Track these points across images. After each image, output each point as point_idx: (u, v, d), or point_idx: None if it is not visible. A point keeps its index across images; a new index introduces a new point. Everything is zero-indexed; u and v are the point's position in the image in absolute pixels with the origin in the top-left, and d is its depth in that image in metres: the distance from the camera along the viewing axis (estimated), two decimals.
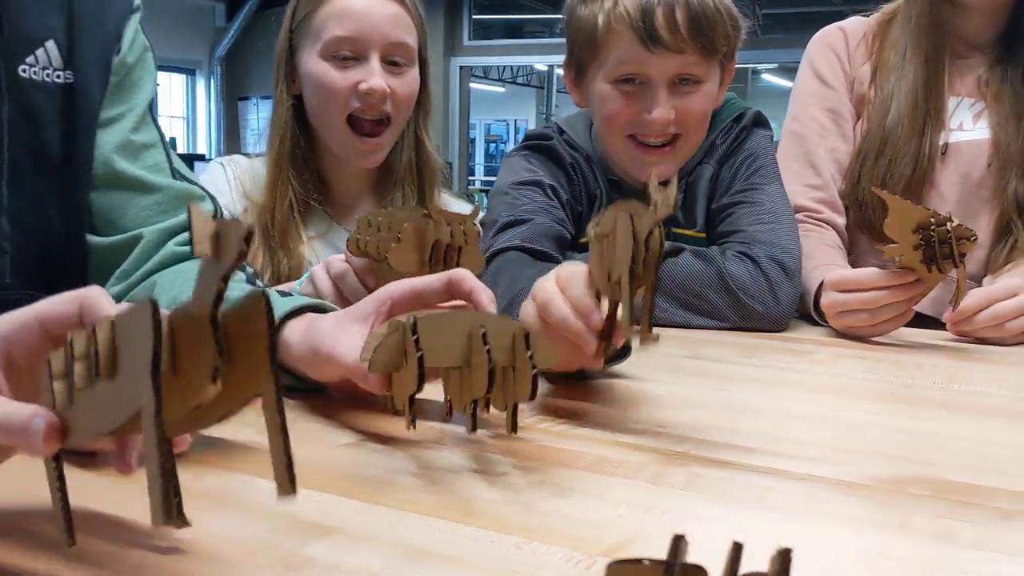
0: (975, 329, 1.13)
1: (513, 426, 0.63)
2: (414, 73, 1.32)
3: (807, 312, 1.24)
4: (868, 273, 1.10)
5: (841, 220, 1.40)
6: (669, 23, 1.16)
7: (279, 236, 1.29)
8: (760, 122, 1.34)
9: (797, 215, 1.36)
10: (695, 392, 0.85)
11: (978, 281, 1.38)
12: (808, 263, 1.24)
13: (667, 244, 1.15)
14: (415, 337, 0.61)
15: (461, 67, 8.97)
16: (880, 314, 1.10)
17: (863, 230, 1.40)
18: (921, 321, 1.20)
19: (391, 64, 1.29)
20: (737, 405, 0.81)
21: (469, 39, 8.97)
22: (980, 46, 1.40)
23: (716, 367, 0.97)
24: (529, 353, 0.61)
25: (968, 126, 1.39)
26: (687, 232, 1.30)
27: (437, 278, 0.70)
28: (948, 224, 1.03)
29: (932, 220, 1.04)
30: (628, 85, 1.21)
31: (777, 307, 1.16)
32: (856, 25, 1.46)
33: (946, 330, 1.17)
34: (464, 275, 0.70)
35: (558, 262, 1.15)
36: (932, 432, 0.73)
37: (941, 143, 1.37)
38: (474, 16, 8.95)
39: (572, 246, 1.26)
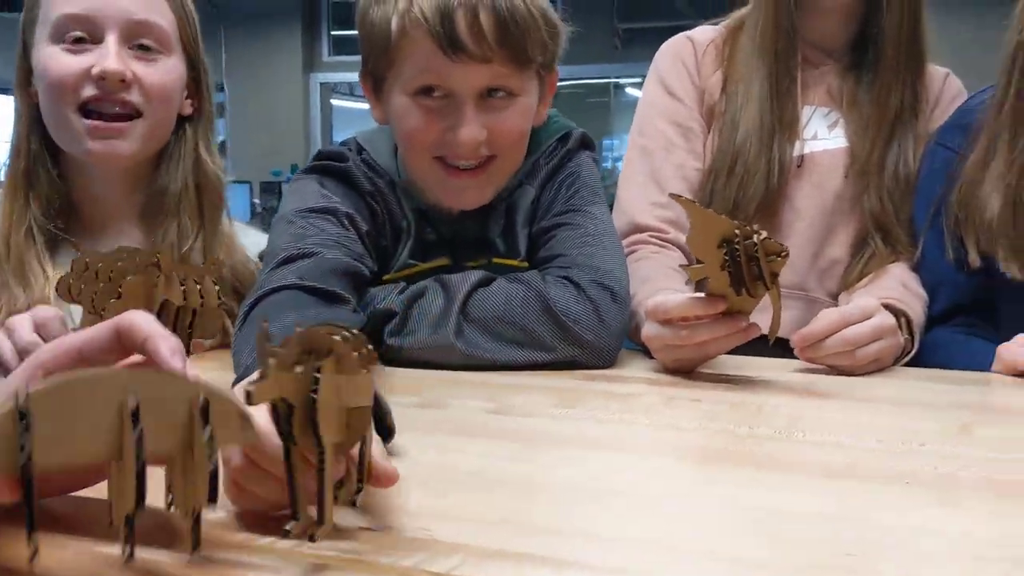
0: (824, 356, 1.01)
1: (194, 542, 0.45)
2: (172, 64, 1.13)
3: (632, 337, 1.11)
4: (684, 301, 0.96)
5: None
6: (472, 28, 0.99)
7: (14, 268, 1.06)
8: (587, 143, 1.20)
9: (641, 234, 1.26)
10: (486, 466, 0.68)
11: (835, 299, 1.28)
12: (645, 287, 1.11)
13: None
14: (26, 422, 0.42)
15: (322, 84, 8.68)
16: (705, 348, 0.96)
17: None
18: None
19: (139, 49, 1.10)
20: (536, 483, 0.64)
21: (329, 55, 8.70)
22: (832, 52, 1.31)
23: (522, 425, 0.80)
24: (208, 432, 0.43)
25: (823, 135, 1.31)
26: (508, 261, 1.14)
27: (101, 328, 0.52)
28: (755, 237, 0.88)
29: (737, 233, 0.88)
30: (430, 99, 1.04)
31: (606, 335, 1.02)
32: (705, 34, 1.36)
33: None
34: (135, 320, 0.51)
35: (348, 303, 0.96)
36: (766, 508, 0.58)
37: (796, 155, 1.28)
38: (334, 32, 8.68)
39: (375, 282, 1.08)
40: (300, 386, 0.52)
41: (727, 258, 0.89)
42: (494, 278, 1.04)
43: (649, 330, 0.99)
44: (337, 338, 0.55)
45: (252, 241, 1.25)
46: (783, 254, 0.88)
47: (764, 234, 0.89)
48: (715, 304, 0.92)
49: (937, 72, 1.32)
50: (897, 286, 1.18)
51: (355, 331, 0.56)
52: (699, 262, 0.93)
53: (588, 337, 1.00)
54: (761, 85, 1.26)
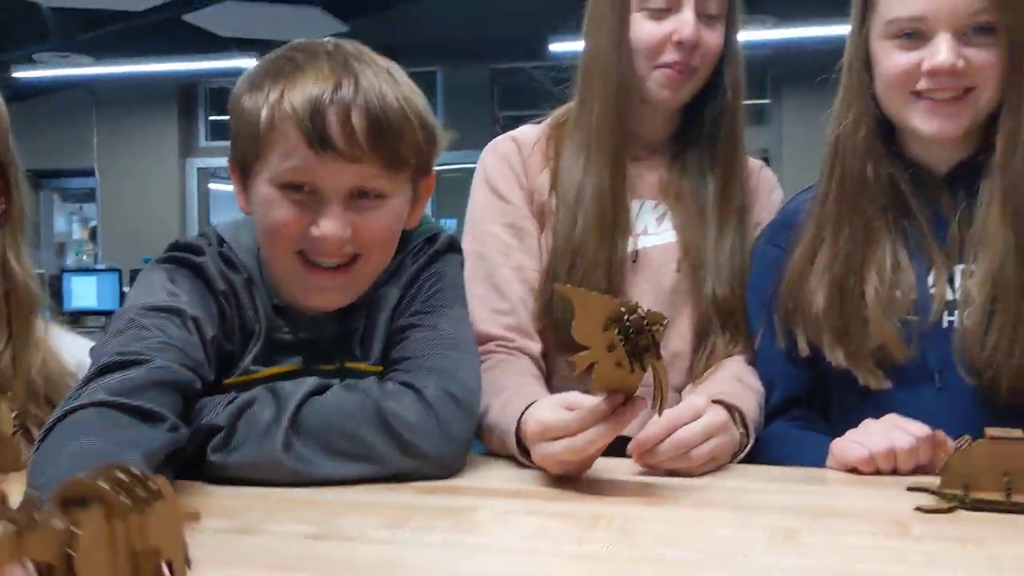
0: (660, 461, 1.01)
1: None
2: None
3: (494, 451, 1.09)
4: (568, 417, 0.94)
5: (536, 346, 1.27)
6: (344, 127, 0.96)
7: None
8: (455, 247, 1.17)
9: (488, 344, 1.23)
10: None
11: (680, 392, 1.28)
12: (501, 397, 1.09)
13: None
14: None
15: (199, 168, 8.52)
16: (599, 447, 0.93)
17: (562, 353, 1.25)
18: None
19: None
20: None
21: (207, 139, 8.56)
22: (657, 147, 1.34)
23: (344, 553, 0.76)
24: None
25: (653, 229, 1.32)
26: (361, 366, 1.09)
27: None
28: (639, 310, 0.88)
29: (623, 309, 0.87)
30: (297, 192, 1.00)
31: (448, 447, 0.99)
32: (528, 134, 1.36)
33: None
34: None
35: (165, 421, 0.89)
36: None
37: (630, 250, 1.28)
38: (211, 117, 8.57)
39: (209, 392, 1.01)
40: (51, 545, 0.47)
41: (619, 336, 0.87)
42: (329, 385, 1.00)
43: (542, 450, 0.96)
44: (104, 484, 0.51)
45: (72, 345, 1.18)
46: (664, 322, 0.88)
47: (644, 307, 0.88)
48: (613, 401, 0.90)
49: (753, 164, 1.37)
50: (731, 380, 1.20)
51: (133, 469, 0.52)
52: (582, 348, 0.90)
53: (427, 449, 0.97)
54: (594, 182, 1.26)
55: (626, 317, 0.87)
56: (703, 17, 1.24)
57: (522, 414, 1.02)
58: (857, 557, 0.74)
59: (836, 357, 1.16)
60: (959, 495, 0.90)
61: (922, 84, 1.12)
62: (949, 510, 0.88)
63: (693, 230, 1.29)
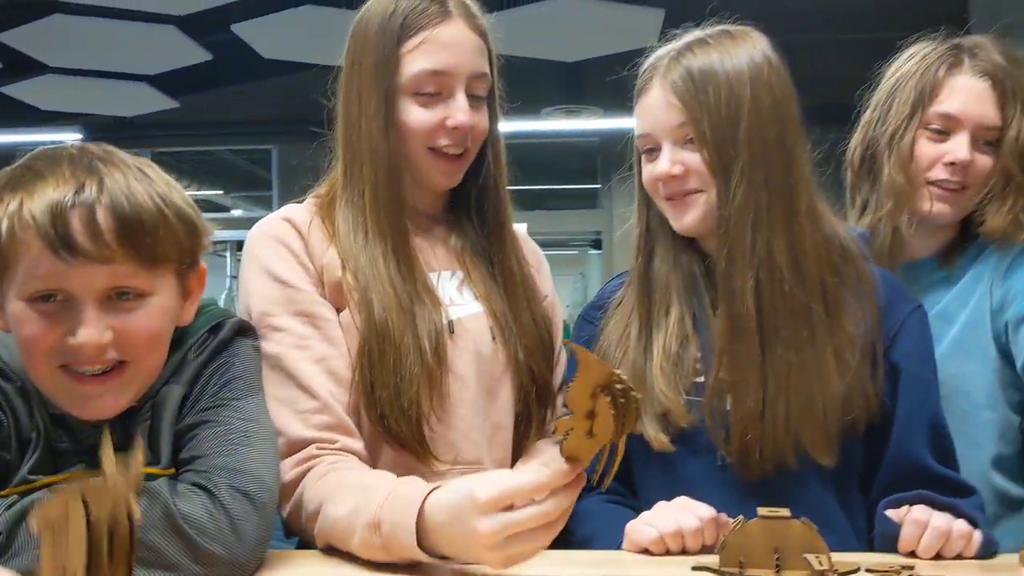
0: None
1: None
2: None
3: (397, 554, 0.98)
4: (535, 479, 0.89)
5: (358, 444, 1.17)
6: (89, 227, 0.93)
7: None
8: (245, 331, 1.14)
9: (307, 449, 1.14)
10: None
11: (500, 465, 1.29)
12: (371, 495, 1.01)
13: None
14: None
15: None
16: (555, 527, 0.90)
17: (392, 444, 1.20)
18: None
19: None
20: None
21: None
22: (437, 217, 1.33)
23: None
24: None
25: (458, 299, 1.29)
26: (150, 470, 1.04)
27: None
28: (624, 379, 0.87)
29: (615, 375, 0.86)
30: (47, 304, 0.96)
31: (241, 547, 0.96)
32: (300, 212, 1.28)
33: None
34: None
35: None
36: None
37: (445, 321, 1.24)
38: None
39: None
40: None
41: (611, 402, 0.86)
42: None
43: (488, 525, 0.89)
44: None
45: None
46: (639, 398, 0.88)
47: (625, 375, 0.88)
48: (576, 469, 0.88)
49: (522, 235, 1.41)
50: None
51: None
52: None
53: (219, 552, 0.94)
54: (384, 260, 1.21)
55: (616, 384, 0.87)
56: (472, 99, 1.24)
57: (423, 502, 0.95)
58: None
59: (646, 431, 1.20)
60: (735, 572, 0.95)
61: (662, 190, 1.23)
62: None
63: (496, 299, 1.30)
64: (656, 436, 1.19)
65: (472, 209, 1.33)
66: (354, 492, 1.04)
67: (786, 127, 1.19)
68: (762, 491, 1.12)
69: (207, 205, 11.72)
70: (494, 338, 1.28)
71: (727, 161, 1.18)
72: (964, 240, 1.39)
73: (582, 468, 0.89)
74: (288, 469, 1.12)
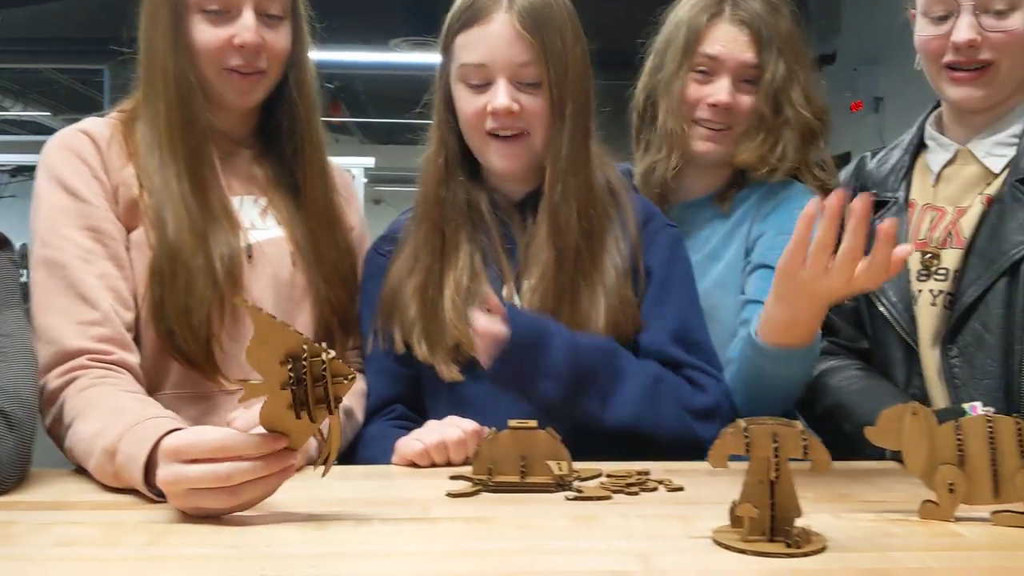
0: None
1: None
2: None
3: (101, 478, 1.01)
4: (221, 437, 0.88)
5: (135, 358, 1.18)
6: None
7: None
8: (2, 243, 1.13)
9: (79, 359, 1.13)
10: None
11: None
12: (121, 418, 1.00)
13: None
14: None
15: None
16: (243, 493, 0.87)
17: (179, 360, 1.20)
18: None
19: None
20: None
21: None
22: (242, 141, 1.34)
23: None
24: None
25: (260, 224, 1.30)
26: None
27: None
28: (324, 356, 0.83)
29: (305, 349, 0.83)
30: None
31: None
32: (100, 125, 1.26)
33: None
34: None
35: None
36: None
37: (244, 245, 1.25)
38: None
39: None
40: None
41: (291, 377, 0.83)
42: None
43: (168, 473, 0.88)
44: None
45: None
46: (350, 377, 0.86)
47: (332, 353, 0.85)
48: (276, 441, 0.86)
49: (339, 169, 1.45)
50: None
51: None
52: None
53: None
54: (179, 180, 1.21)
55: (305, 358, 0.83)
56: (264, 18, 1.24)
57: (159, 440, 0.93)
58: (376, 539, 0.85)
59: (421, 351, 1.27)
60: (485, 479, 1.03)
61: (489, 124, 1.26)
62: (473, 493, 1.02)
63: (298, 225, 1.32)
64: (448, 368, 1.26)
65: (280, 135, 1.33)
66: (104, 414, 1.04)
67: (589, 73, 1.29)
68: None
69: (33, 127, 10.99)
70: (294, 264, 1.30)
71: (563, 105, 1.25)
72: (738, 181, 1.50)
73: (289, 445, 0.86)
74: (54, 378, 1.12)
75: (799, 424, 0.84)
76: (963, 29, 1.24)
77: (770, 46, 1.42)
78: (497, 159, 1.29)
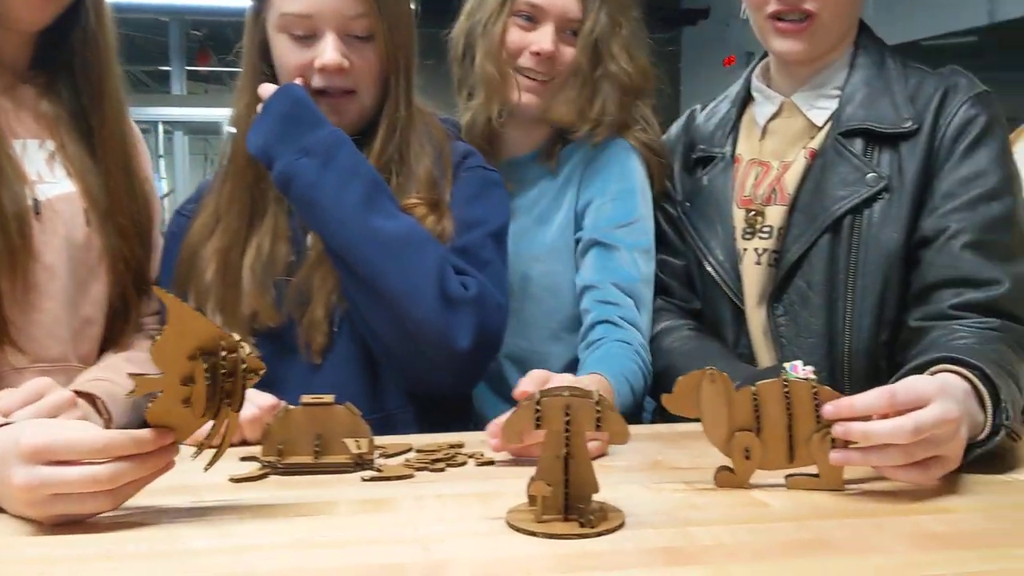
0: None
1: None
2: None
3: None
4: (101, 437, 0.76)
5: None
6: None
7: None
8: None
9: None
10: None
11: (86, 365, 1.20)
12: None
13: None
14: None
15: None
16: (123, 493, 0.78)
17: None
18: None
19: None
20: None
21: None
22: (22, 75, 1.18)
23: None
24: None
25: (48, 176, 1.15)
26: None
27: None
28: (241, 351, 0.78)
29: (223, 344, 0.76)
30: None
31: None
32: None
33: None
34: None
35: None
36: None
37: (30, 201, 1.11)
38: None
39: None
40: None
41: (207, 372, 0.75)
42: None
43: (24, 476, 0.75)
44: None
45: None
46: (261, 372, 0.80)
47: (248, 348, 0.79)
48: (161, 438, 0.77)
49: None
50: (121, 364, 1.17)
51: None
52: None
53: None
54: None
55: (223, 354, 0.77)
56: None
57: None
58: (122, 538, 0.75)
59: (216, 321, 1.17)
60: (274, 460, 0.95)
61: (316, 82, 1.17)
62: (259, 476, 0.93)
63: (91, 176, 1.18)
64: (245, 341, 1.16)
65: (71, 68, 1.18)
66: None
67: (414, 22, 1.22)
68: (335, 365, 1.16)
69: None
70: (88, 223, 1.17)
71: (395, 60, 1.19)
72: (563, 137, 1.43)
73: (173, 440, 0.78)
74: None
75: (595, 395, 0.78)
76: None
77: None
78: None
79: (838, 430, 0.83)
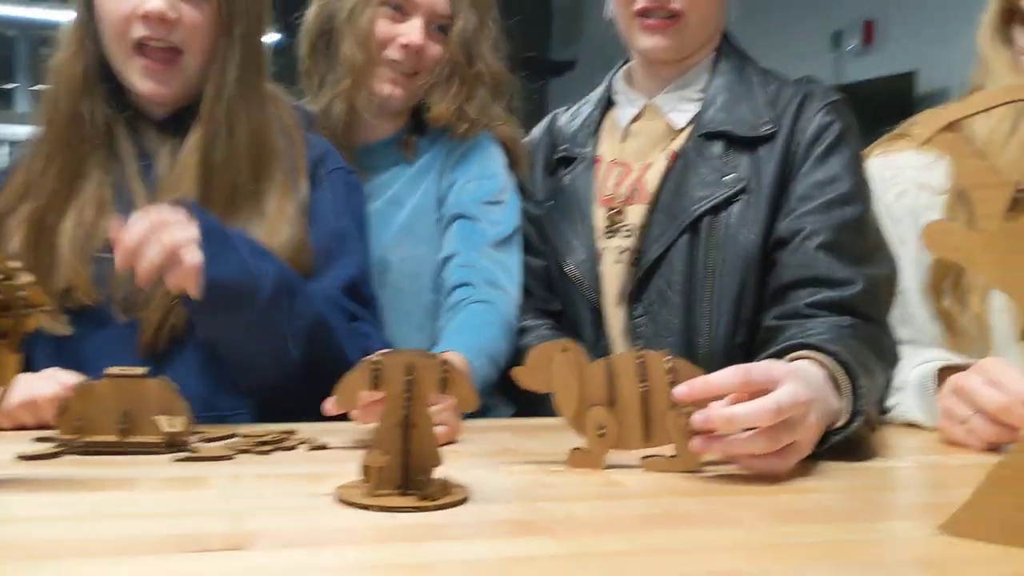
0: None
1: None
2: None
3: None
4: None
5: None
6: None
7: None
8: None
9: None
10: None
11: None
12: None
13: None
14: None
15: None
16: None
17: None
18: None
19: None
20: None
21: None
22: None
23: None
24: None
25: None
26: None
27: None
28: (20, 278, 0.67)
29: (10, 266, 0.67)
30: None
31: None
32: None
33: None
34: None
35: None
36: None
37: None
38: None
39: None
40: None
41: None
42: None
43: None
44: None
45: None
46: (43, 307, 0.69)
47: (31, 277, 0.69)
48: None
49: None
50: None
51: None
52: None
53: None
54: None
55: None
56: None
57: None
58: None
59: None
60: (73, 438, 0.82)
61: (138, 31, 1.08)
62: (53, 455, 0.81)
63: None
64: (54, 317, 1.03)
65: None
66: None
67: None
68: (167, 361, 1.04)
69: None
70: None
71: (231, 21, 1.10)
72: (419, 126, 1.38)
73: None
74: None
75: (442, 355, 0.71)
76: None
77: None
78: (141, 79, 1.10)
79: (698, 419, 0.78)
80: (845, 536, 0.64)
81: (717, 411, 0.77)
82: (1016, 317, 1.14)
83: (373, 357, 0.69)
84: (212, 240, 0.92)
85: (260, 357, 1.02)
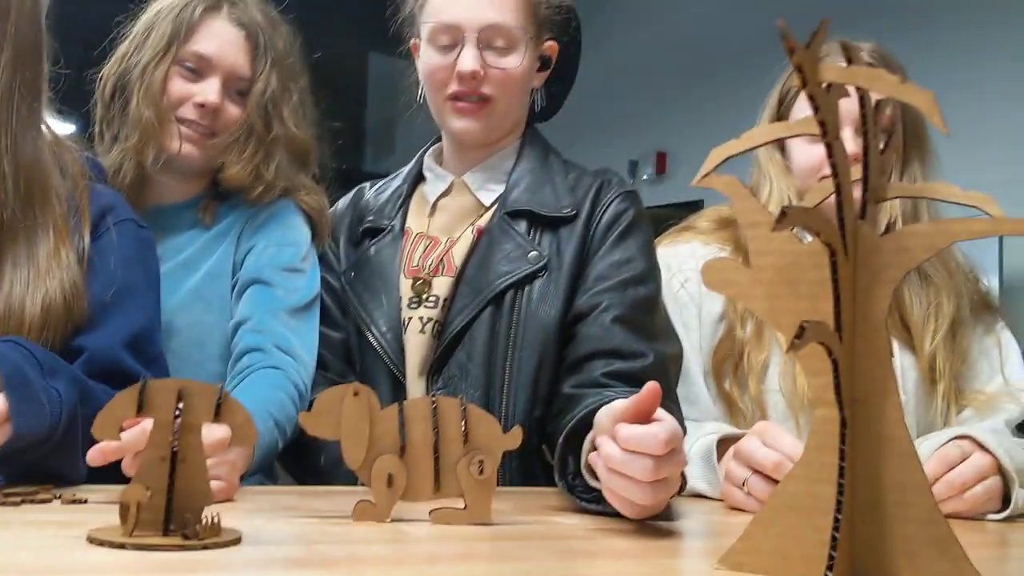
0: None
1: None
2: None
3: None
4: None
5: None
6: None
7: None
8: None
9: None
10: None
11: None
12: None
13: None
14: None
15: None
16: None
17: None
18: None
19: None
20: None
21: None
22: None
23: None
24: None
25: None
26: None
27: None
28: None
29: None
30: None
31: None
32: None
33: None
34: None
35: None
36: None
37: None
38: None
39: None
40: None
41: None
42: None
43: None
44: None
45: None
46: None
47: None
48: None
49: None
50: None
51: None
52: None
53: None
54: None
55: None
56: None
57: None
58: None
59: None
60: None
61: None
62: None
63: None
64: None
65: None
66: None
67: (41, 27, 1.08)
68: None
69: None
70: None
71: None
72: (218, 190, 1.34)
73: None
74: None
75: (221, 383, 0.67)
76: (467, 60, 1.24)
77: (265, 56, 1.32)
78: None
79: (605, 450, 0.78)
80: (633, 570, 0.63)
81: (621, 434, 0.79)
82: (793, 393, 1.22)
83: (144, 380, 0.64)
84: (14, 387, 0.85)
85: (48, 468, 0.93)
